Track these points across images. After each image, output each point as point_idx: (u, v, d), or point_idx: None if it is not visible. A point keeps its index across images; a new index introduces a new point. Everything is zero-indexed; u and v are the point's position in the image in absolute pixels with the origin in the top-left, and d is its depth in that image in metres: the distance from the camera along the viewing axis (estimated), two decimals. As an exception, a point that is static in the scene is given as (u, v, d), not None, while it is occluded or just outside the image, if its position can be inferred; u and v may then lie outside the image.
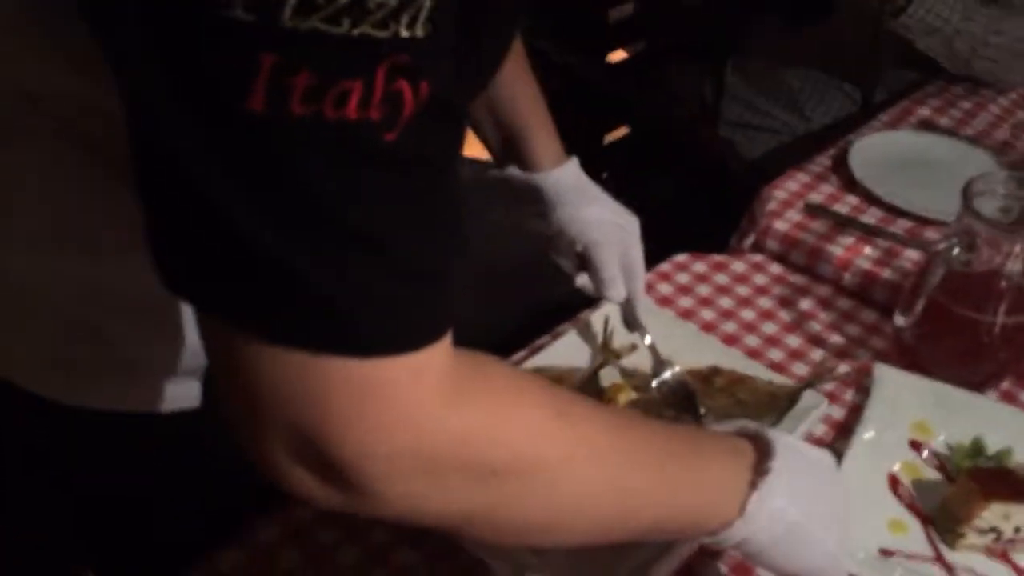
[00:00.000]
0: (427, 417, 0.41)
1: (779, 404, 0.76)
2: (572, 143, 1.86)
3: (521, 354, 0.86)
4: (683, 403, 0.78)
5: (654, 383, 0.80)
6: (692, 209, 1.49)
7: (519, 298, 0.97)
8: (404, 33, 0.35)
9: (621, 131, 1.71)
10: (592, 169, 1.84)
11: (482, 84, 0.52)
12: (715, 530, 0.53)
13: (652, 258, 1.00)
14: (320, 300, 0.37)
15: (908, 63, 1.36)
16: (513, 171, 0.83)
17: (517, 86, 0.83)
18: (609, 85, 1.62)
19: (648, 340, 0.82)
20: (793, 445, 0.57)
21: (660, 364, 0.81)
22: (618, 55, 1.79)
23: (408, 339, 0.39)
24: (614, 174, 1.80)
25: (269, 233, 0.36)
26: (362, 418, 0.39)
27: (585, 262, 0.81)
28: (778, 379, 0.80)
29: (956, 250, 0.77)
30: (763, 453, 0.55)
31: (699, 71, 1.57)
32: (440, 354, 0.41)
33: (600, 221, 0.80)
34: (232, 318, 0.38)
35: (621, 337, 0.84)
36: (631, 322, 0.82)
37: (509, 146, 0.83)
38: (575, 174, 0.83)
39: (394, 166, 0.37)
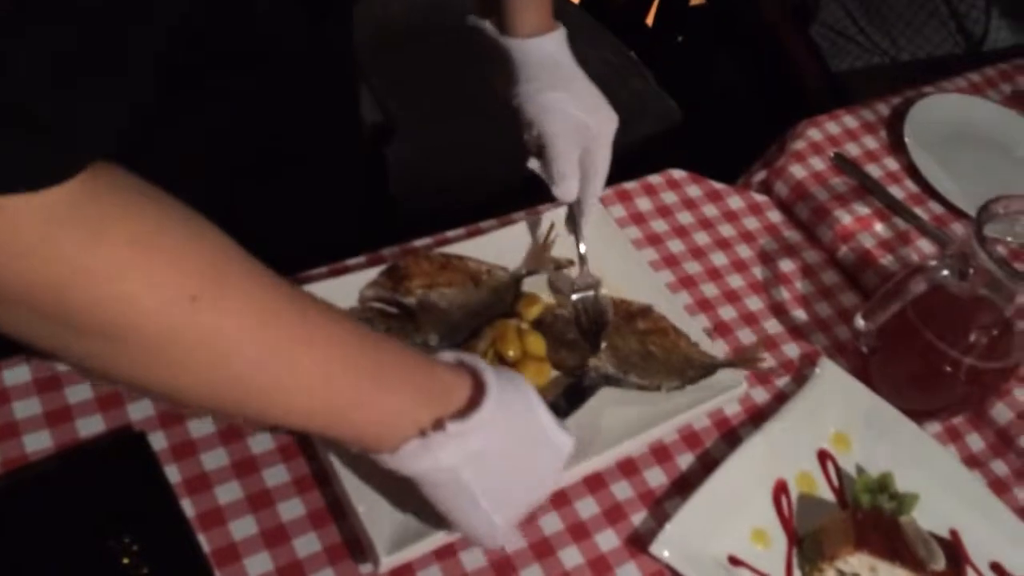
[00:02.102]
0: (19, 252, 0.38)
1: (688, 372, 0.70)
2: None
3: (491, 222, 0.80)
4: (590, 329, 0.72)
5: (573, 297, 0.74)
6: (742, 106, 1.37)
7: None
8: None
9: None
10: (671, 29, 1.70)
11: None
12: (370, 450, 0.51)
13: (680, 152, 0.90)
14: None
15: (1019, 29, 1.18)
16: (487, 26, 0.73)
17: None
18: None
19: (583, 248, 0.75)
20: (511, 406, 0.52)
21: (586, 279, 0.74)
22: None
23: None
24: (690, 38, 1.66)
25: None
26: None
27: (540, 150, 0.72)
28: (708, 345, 0.73)
29: (945, 272, 0.68)
30: (470, 404, 0.51)
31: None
32: (36, 198, 0.37)
33: (565, 110, 0.71)
34: None
35: (564, 248, 0.77)
36: (572, 226, 0.75)
37: (492, 7, 0.72)
38: (554, 49, 0.73)
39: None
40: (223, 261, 0.44)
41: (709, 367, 0.71)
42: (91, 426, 0.61)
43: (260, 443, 0.63)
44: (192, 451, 0.61)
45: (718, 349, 0.74)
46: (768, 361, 0.75)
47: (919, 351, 0.72)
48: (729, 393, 0.71)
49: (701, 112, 1.37)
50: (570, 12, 1.53)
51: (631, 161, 0.93)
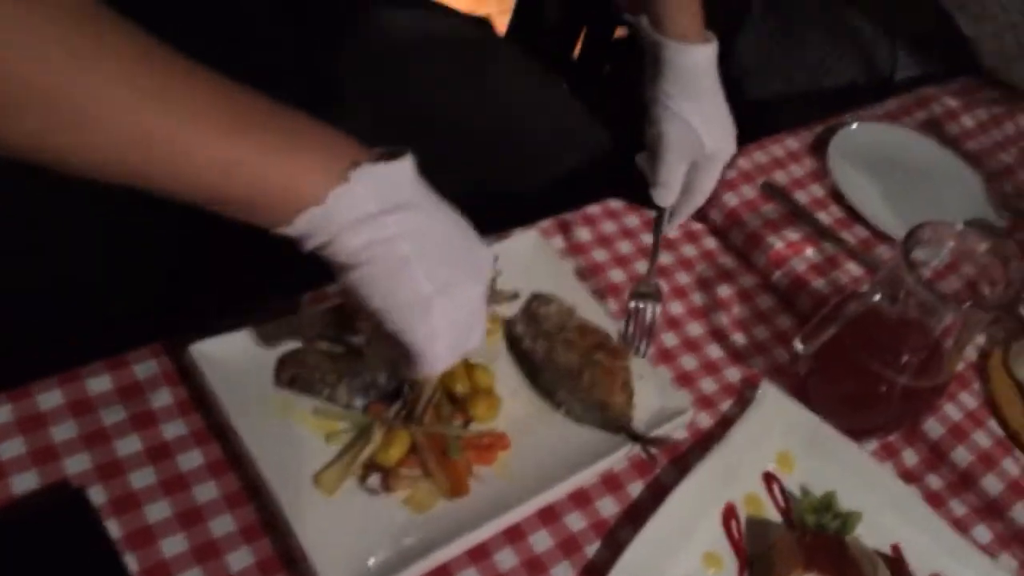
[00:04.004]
0: None
1: (594, 414, 0.71)
2: (581, 23, 1.72)
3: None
4: (635, 337, 0.77)
5: (631, 304, 0.79)
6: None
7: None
8: None
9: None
10: (598, 61, 1.72)
11: None
12: (287, 216, 0.48)
13: (611, 180, 0.92)
14: None
15: (929, 57, 1.24)
16: (643, 20, 0.76)
17: None
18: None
19: (659, 255, 0.81)
20: (432, 195, 0.53)
21: (649, 287, 0.80)
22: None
23: None
24: (616, 67, 1.69)
25: None
26: None
27: (652, 151, 0.76)
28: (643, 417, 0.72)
29: (878, 296, 0.70)
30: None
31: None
32: None
33: (689, 122, 0.74)
34: None
35: (511, 279, 0.77)
36: (656, 231, 0.80)
37: (644, 5, 0.75)
38: (703, 61, 0.75)
39: None
40: (107, 25, 0.43)
41: (616, 426, 0.70)
42: (25, 483, 0.58)
43: (205, 492, 0.61)
44: (135, 504, 0.59)
45: (657, 389, 0.75)
46: (678, 438, 0.74)
47: (855, 372, 0.74)
48: (676, 421, 0.72)
49: (632, 142, 1.39)
50: (497, 45, 1.54)
51: (565, 191, 0.94)
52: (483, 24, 1.24)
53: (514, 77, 1.21)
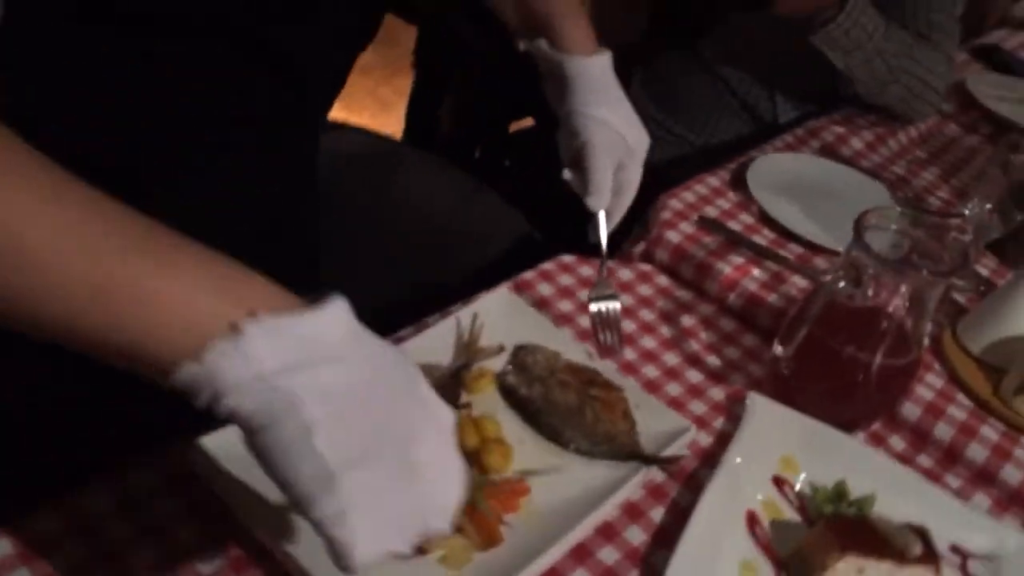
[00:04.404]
0: None
1: (603, 447, 0.71)
2: (478, 127, 1.79)
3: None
4: (607, 338, 0.79)
5: (592, 307, 0.82)
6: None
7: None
8: None
9: (528, 121, 1.66)
10: (495, 155, 1.79)
11: None
12: (164, 367, 0.41)
13: (541, 254, 0.95)
14: None
15: (804, 97, 1.35)
16: (541, 44, 0.80)
17: None
18: (521, 74, 1.56)
19: (605, 253, 0.83)
20: (369, 340, 0.44)
21: (604, 290, 0.82)
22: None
23: None
24: (517, 161, 1.75)
25: None
26: None
27: (579, 160, 0.78)
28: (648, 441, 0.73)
29: (842, 283, 0.74)
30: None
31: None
32: None
33: (609, 126, 0.77)
34: None
35: (490, 335, 0.78)
36: (596, 235, 0.82)
37: (539, 23, 0.80)
38: (602, 69, 0.80)
39: None
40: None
41: (626, 454, 0.71)
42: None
43: (232, 591, 0.57)
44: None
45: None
46: (686, 454, 0.75)
47: (833, 364, 0.77)
48: (681, 439, 0.73)
49: (549, 223, 1.44)
50: (401, 151, 1.58)
51: (497, 273, 0.96)
52: (389, 140, 1.30)
53: (428, 179, 1.26)
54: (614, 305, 0.82)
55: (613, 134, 0.78)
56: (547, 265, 0.92)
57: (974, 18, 1.63)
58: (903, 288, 0.75)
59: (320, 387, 0.42)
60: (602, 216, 0.81)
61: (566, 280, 0.91)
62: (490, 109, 1.67)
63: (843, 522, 0.67)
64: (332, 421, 0.42)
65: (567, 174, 0.80)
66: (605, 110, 0.78)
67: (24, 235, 0.40)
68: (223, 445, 0.63)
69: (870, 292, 0.76)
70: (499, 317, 0.80)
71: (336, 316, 0.43)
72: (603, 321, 0.81)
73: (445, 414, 0.47)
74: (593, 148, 0.77)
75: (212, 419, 0.42)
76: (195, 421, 0.56)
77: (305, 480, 0.41)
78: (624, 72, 0.96)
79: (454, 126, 1.75)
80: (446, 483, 0.46)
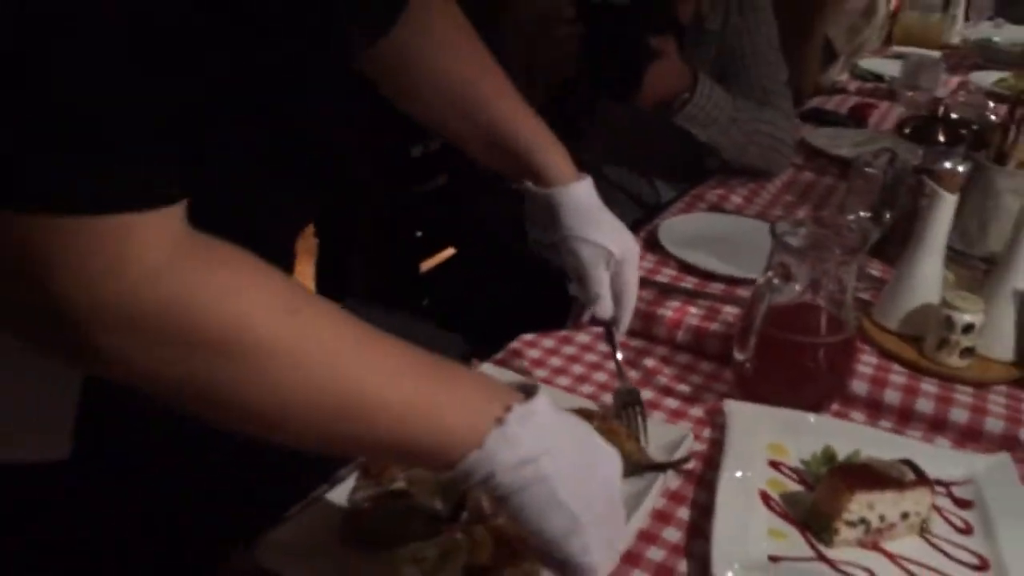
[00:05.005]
0: (135, 274, 0.44)
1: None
2: (391, 271, 1.87)
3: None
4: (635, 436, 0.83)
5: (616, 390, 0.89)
6: (526, 306, 1.55)
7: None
8: None
9: (445, 254, 1.76)
10: (412, 295, 1.87)
11: None
12: (452, 460, 0.53)
13: (498, 341, 1.03)
14: (31, 167, 0.42)
15: (678, 176, 1.53)
16: (529, 186, 0.88)
17: (510, 104, 0.88)
18: (427, 212, 1.69)
19: (619, 357, 0.90)
20: (560, 412, 0.58)
21: (627, 395, 0.88)
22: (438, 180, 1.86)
23: (113, 200, 0.43)
24: (436, 299, 1.84)
25: None
26: (66, 267, 0.43)
27: (580, 277, 0.87)
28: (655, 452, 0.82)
29: (775, 281, 0.86)
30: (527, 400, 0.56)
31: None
32: (161, 219, 0.44)
33: (597, 243, 0.86)
34: None
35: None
36: (610, 341, 0.90)
37: (519, 161, 0.87)
38: (587, 193, 0.88)
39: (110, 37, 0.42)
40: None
41: (641, 467, 0.79)
42: None
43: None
44: None
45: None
46: (690, 461, 0.83)
47: (786, 354, 0.89)
48: (684, 444, 0.81)
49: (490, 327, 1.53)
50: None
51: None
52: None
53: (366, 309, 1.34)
54: (638, 408, 0.87)
55: (602, 249, 0.87)
56: (514, 344, 1.01)
57: (792, 88, 1.89)
58: (824, 275, 0.87)
59: (545, 443, 0.55)
60: (611, 323, 0.90)
61: (534, 353, 1.00)
62: (402, 249, 1.77)
63: (845, 469, 0.76)
64: (566, 480, 0.56)
65: (572, 288, 0.90)
66: (591, 228, 0.87)
67: (351, 369, 0.50)
68: (282, 541, 0.66)
69: (798, 288, 0.89)
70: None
71: (545, 399, 0.57)
72: (634, 421, 0.86)
73: (614, 454, 0.62)
74: (585, 263, 0.87)
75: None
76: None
77: (556, 527, 0.56)
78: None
79: (365, 274, 1.84)
80: (620, 508, 0.62)
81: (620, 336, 0.92)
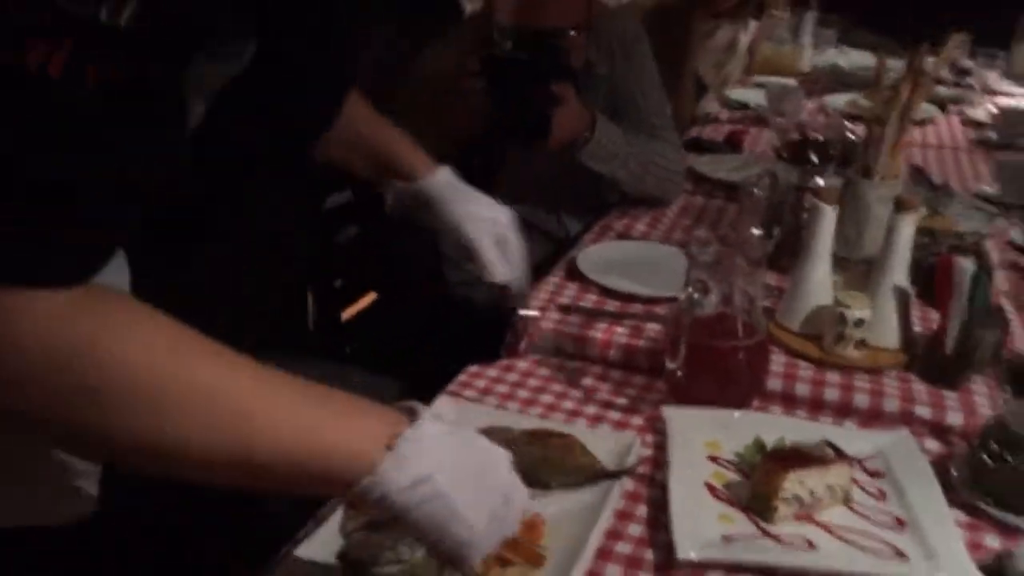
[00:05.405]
0: (13, 333, 0.48)
1: (577, 476, 0.87)
2: (315, 321, 1.89)
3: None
4: None
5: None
6: (452, 344, 1.62)
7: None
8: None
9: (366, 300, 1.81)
10: (336, 345, 1.91)
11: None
12: (346, 483, 0.58)
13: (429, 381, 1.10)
14: None
15: (582, 209, 1.64)
16: (399, 183, 0.96)
17: (367, 123, 0.97)
18: (344, 261, 1.74)
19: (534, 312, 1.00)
20: (448, 428, 0.64)
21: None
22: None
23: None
24: (361, 347, 1.88)
25: None
26: None
27: (466, 252, 0.95)
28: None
29: (696, 295, 0.97)
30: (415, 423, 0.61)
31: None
32: (53, 291, 0.49)
33: (478, 214, 0.95)
34: None
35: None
36: (518, 301, 0.98)
37: (385, 167, 0.96)
38: (450, 177, 0.98)
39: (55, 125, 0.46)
40: (185, 328, 0.54)
41: (598, 476, 0.87)
42: None
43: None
44: None
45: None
46: (638, 464, 0.92)
47: (710, 359, 0.99)
48: (633, 450, 0.90)
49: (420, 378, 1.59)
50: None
51: None
52: None
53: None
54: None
55: (484, 219, 0.97)
56: (461, 378, 1.08)
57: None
58: (734, 287, 0.99)
59: (437, 458, 0.61)
60: (509, 287, 0.99)
61: (480, 383, 1.07)
62: (319, 302, 1.81)
63: (776, 454, 0.86)
64: (460, 492, 0.61)
65: (467, 266, 0.97)
66: (469, 205, 0.97)
67: (241, 399, 0.54)
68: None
69: (715, 299, 1.00)
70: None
71: (432, 420, 0.62)
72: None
73: (503, 454, 0.68)
74: (474, 236, 0.96)
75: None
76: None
77: (454, 536, 0.61)
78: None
79: (283, 325, 1.86)
80: (520, 497, 0.68)
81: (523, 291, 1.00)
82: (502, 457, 0.68)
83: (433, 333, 1.68)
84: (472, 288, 1.68)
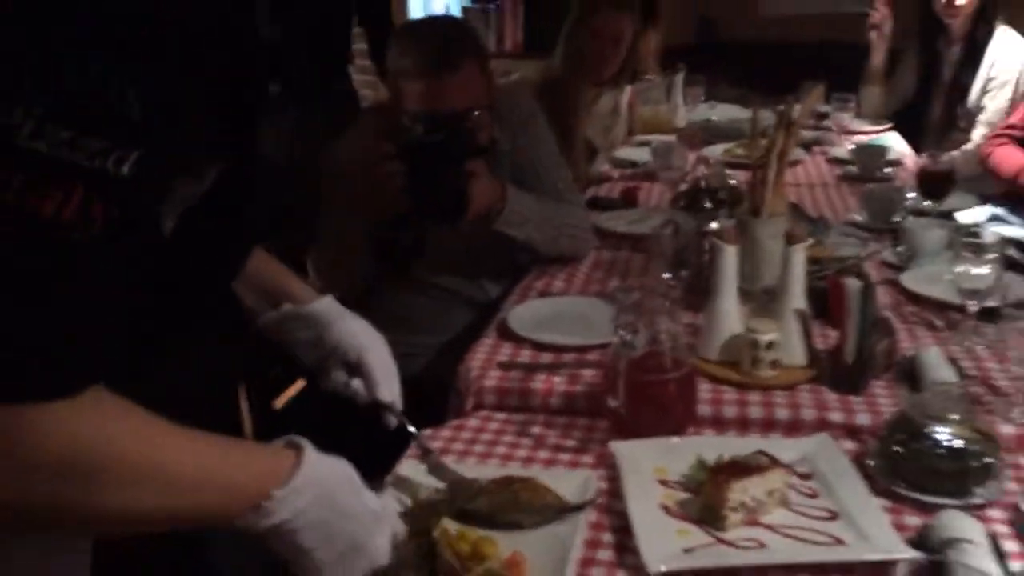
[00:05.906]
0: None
1: (546, 513, 0.94)
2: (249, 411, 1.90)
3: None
4: None
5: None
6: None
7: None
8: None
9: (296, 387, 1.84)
10: (273, 434, 1.92)
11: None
12: (228, 519, 0.68)
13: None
14: None
15: (500, 275, 1.73)
16: (288, 307, 1.03)
17: (259, 261, 1.02)
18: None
19: (412, 430, 1.06)
20: (328, 469, 0.74)
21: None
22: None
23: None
24: (302, 431, 1.90)
25: None
26: None
27: (358, 368, 1.01)
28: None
29: (628, 337, 1.07)
30: (292, 470, 0.70)
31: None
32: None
33: (368, 335, 1.03)
34: None
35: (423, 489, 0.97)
36: (395, 415, 1.03)
37: (274, 295, 1.03)
38: (333, 302, 1.05)
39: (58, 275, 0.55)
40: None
41: (564, 511, 0.95)
42: None
43: None
44: None
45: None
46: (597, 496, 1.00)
47: (646, 393, 1.09)
48: (590, 488, 0.98)
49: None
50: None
51: None
52: None
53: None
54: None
55: (375, 339, 1.04)
56: (410, 451, 1.14)
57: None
58: (658, 326, 1.09)
59: (296, 509, 0.70)
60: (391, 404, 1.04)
61: (436, 444, 1.13)
62: (252, 392, 1.83)
63: (720, 467, 0.96)
64: (311, 533, 0.71)
65: (354, 383, 1.02)
66: (356, 328, 1.04)
67: (165, 458, 0.63)
68: None
69: (643, 339, 1.10)
70: (421, 477, 1.00)
71: (310, 456, 0.72)
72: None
73: (377, 502, 0.79)
74: (368, 351, 1.02)
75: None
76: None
77: (305, 568, 0.73)
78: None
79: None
80: (382, 535, 0.79)
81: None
82: (377, 511, 0.78)
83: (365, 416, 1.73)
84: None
